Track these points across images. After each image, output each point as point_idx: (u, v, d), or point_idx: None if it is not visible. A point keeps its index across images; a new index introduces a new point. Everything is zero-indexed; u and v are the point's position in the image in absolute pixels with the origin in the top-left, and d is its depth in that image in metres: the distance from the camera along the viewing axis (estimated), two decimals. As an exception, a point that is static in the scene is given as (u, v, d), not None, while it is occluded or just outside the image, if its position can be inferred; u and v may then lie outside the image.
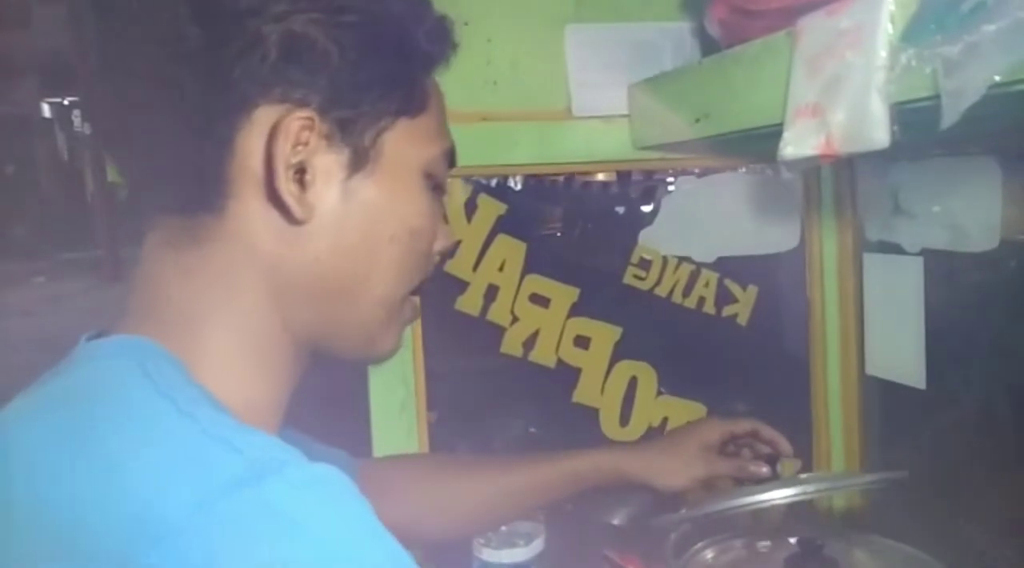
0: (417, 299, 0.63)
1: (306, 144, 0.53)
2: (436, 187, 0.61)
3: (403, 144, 0.57)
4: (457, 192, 1.07)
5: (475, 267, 1.08)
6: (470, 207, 1.08)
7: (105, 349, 0.52)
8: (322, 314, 0.56)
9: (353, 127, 0.55)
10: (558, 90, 1.03)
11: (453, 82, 0.59)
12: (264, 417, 0.54)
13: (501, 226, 1.08)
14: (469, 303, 1.08)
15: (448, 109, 0.64)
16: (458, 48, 0.62)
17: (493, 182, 1.09)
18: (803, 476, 0.94)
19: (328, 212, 0.54)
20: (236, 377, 0.53)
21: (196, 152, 0.52)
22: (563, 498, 0.92)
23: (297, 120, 0.52)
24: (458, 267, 1.08)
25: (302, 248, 0.54)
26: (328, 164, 0.54)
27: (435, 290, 1.06)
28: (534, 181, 1.10)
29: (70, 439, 0.46)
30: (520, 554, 0.91)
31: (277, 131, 0.52)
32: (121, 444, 0.45)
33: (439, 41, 0.60)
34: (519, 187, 1.10)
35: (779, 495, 0.79)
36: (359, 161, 0.55)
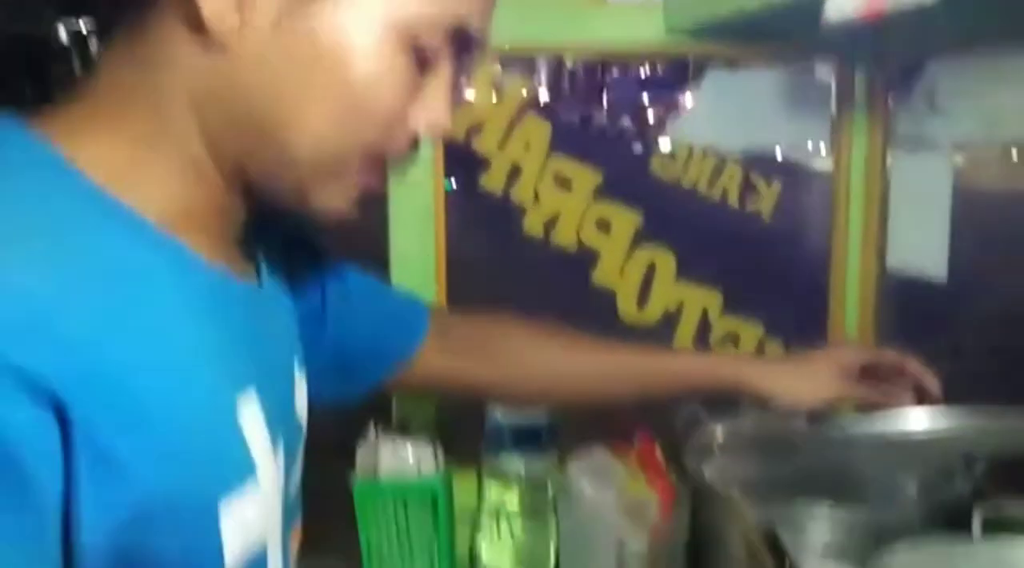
0: (383, 171, 0.55)
1: None
2: (422, 60, 0.51)
3: None
4: (484, 70, 1.06)
5: (500, 146, 1.08)
6: (497, 85, 1.07)
7: None
8: (244, 147, 0.51)
9: None
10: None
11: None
12: (177, 222, 0.50)
13: (528, 106, 1.08)
14: (492, 181, 1.09)
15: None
16: None
17: (521, 62, 1.08)
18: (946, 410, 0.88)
19: (257, 35, 0.48)
20: (140, 172, 0.49)
21: None
22: (661, 394, 0.87)
23: None
24: (483, 144, 1.07)
25: (222, 66, 0.49)
26: None
27: (460, 168, 1.07)
28: (564, 64, 1.09)
29: None
30: (536, 418, 0.91)
31: None
32: None
33: None
34: (547, 68, 1.09)
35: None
36: None
